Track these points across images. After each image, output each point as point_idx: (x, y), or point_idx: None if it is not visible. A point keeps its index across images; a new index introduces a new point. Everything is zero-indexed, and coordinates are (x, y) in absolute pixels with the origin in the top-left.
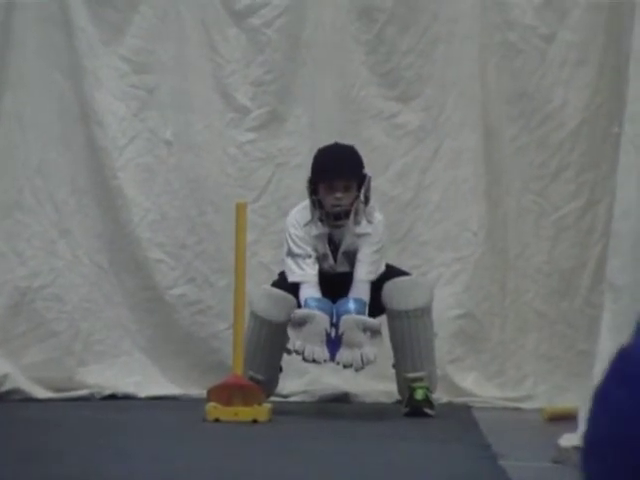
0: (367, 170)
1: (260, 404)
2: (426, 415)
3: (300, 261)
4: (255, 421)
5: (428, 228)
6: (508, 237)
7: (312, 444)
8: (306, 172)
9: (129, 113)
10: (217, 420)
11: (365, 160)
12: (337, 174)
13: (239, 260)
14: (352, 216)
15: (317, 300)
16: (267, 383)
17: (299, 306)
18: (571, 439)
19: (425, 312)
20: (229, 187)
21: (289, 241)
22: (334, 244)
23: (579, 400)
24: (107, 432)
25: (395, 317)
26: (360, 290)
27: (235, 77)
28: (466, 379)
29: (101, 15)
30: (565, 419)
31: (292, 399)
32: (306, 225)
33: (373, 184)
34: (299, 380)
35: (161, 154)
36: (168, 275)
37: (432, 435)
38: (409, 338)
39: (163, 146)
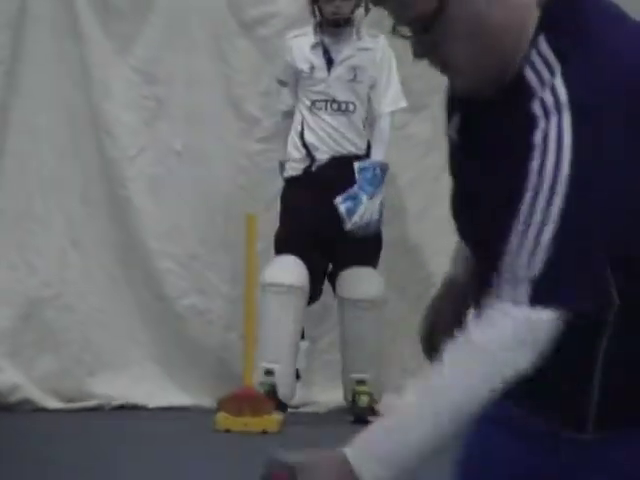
0: None
1: (270, 414)
2: (369, 423)
3: (281, 89)
4: (265, 432)
5: (439, 239)
6: None
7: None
8: None
9: (139, 124)
10: (227, 430)
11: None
12: None
13: (249, 271)
14: (354, 29)
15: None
16: (282, 377)
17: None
18: None
19: (375, 306)
20: (239, 198)
21: (280, 67)
22: (329, 55)
23: None
24: (117, 443)
25: (344, 306)
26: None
27: (245, 88)
28: None
29: (112, 26)
30: None
31: (302, 409)
32: (297, 36)
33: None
34: (309, 390)
35: (171, 165)
36: (178, 285)
37: None
38: (358, 332)
39: (173, 157)
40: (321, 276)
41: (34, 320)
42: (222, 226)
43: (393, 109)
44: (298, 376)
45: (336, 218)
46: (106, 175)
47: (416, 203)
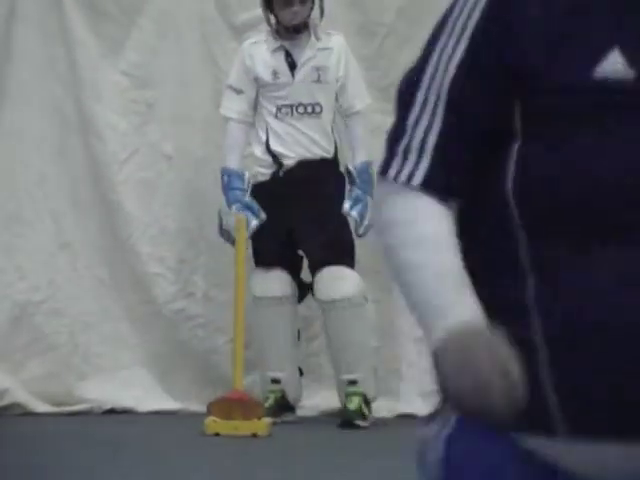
0: None
1: (260, 418)
2: (358, 427)
3: (234, 96)
4: (255, 435)
5: None
6: None
7: (312, 458)
8: None
9: (129, 127)
10: (217, 434)
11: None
12: None
13: (238, 274)
14: (311, 30)
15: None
16: (289, 383)
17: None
18: None
19: (354, 305)
20: None
21: (232, 72)
22: (291, 59)
23: None
24: (107, 447)
25: (324, 308)
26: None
27: None
28: None
29: (101, 29)
30: None
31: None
32: (256, 42)
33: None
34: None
35: (161, 168)
36: (167, 289)
37: None
38: (342, 332)
39: (163, 160)
40: (300, 272)
41: (23, 324)
42: (211, 230)
43: (364, 106)
44: (301, 373)
45: (307, 220)
46: (96, 179)
47: None
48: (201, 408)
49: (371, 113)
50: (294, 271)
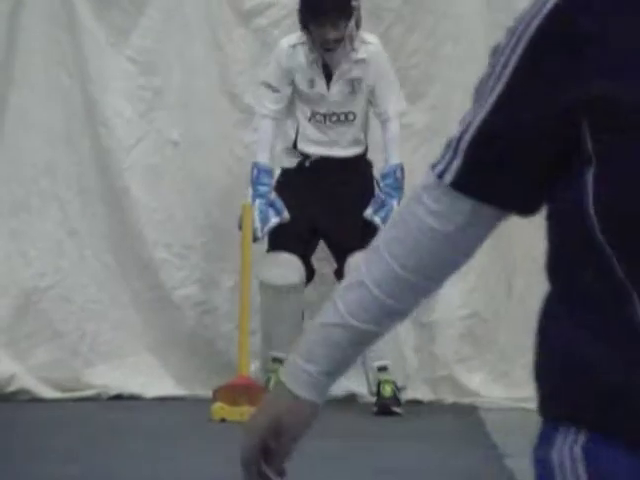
0: None
1: None
2: (394, 414)
3: (270, 93)
4: None
5: None
6: (514, 238)
7: (318, 444)
8: None
9: (135, 114)
10: (223, 420)
11: (372, 159)
12: (324, 13)
13: (245, 261)
14: (347, 44)
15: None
16: None
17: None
18: None
19: None
20: (235, 187)
21: (269, 70)
22: (328, 70)
23: None
24: (113, 432)
25: None
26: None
27: (242, 77)
28: (473, 380)
29: (107, 16)
30: None
31: None
32: (295, 46)
33: None
34: None
35: (168, 155)
36: (174, 276)
37: (439, 435)
38: None
39: (170, 147)
40: (311, 257)
41: (30, 311)
42: (218, 216)
43: (399, 110)
44: None
45: (332, 209)
46: (102, 165)
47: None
48: (208, 394)
49: None
50: (306, 257)
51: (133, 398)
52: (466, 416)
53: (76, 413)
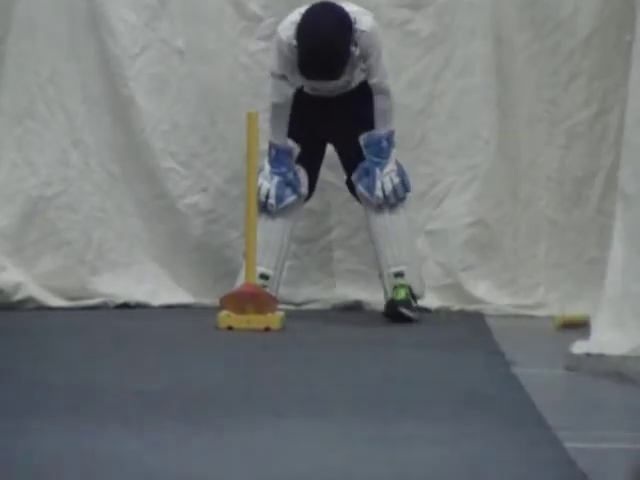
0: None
1: (273, 312)
2: (404, 317)
3: (278, 82)
4: (268, 329)
5: (440, 137)
6: (520, 145)
7: (325, 352)
8: None
9: (140, 22)
10: (230, 328)
11: None
12: (319, 77)
13: (250, 169)
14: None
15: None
16: (275, 281)
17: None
18: (583, 346)
19: (399, 199)
20: (241, 96)
21: (273, 60)
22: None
23: (590, 308)
24: (120, 340)
25: (365, 202)
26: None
27: None
28: (478, 287)
29: None
30: (577, 327)
31: (305, 307)
32: (292, 43)
33: None
34: (312, 288)
35: (173, 64)
36: (180, 184)
37: (445, 343)
38: (383, 226)
39: (175, 55)
40: (318, 170)
41: (36, 219)
42: (223, 124)
43: (386, 84)
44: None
45: (341, 120)
46: (107, 74)
47: (417, 101)
48: (214, 302)
49: (383, 7)
50: (312, 170)
51: (139, 306)
52: (472, 323)
53: (82, 321)
